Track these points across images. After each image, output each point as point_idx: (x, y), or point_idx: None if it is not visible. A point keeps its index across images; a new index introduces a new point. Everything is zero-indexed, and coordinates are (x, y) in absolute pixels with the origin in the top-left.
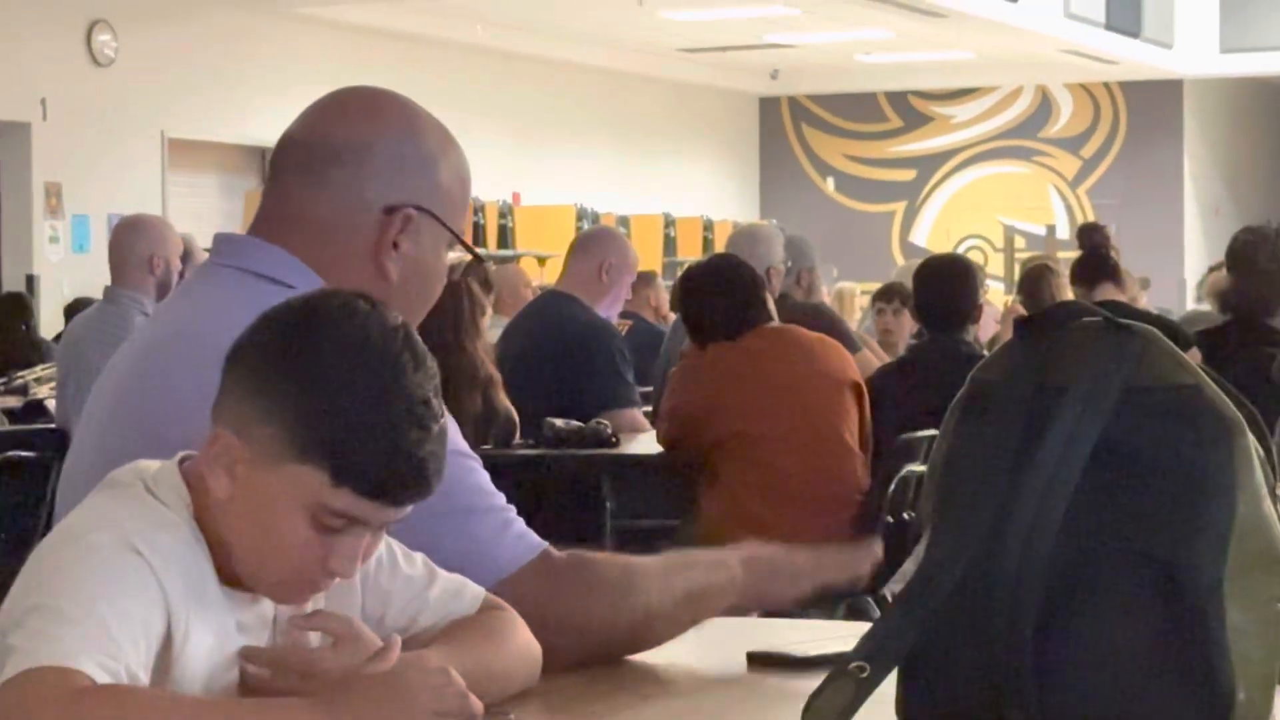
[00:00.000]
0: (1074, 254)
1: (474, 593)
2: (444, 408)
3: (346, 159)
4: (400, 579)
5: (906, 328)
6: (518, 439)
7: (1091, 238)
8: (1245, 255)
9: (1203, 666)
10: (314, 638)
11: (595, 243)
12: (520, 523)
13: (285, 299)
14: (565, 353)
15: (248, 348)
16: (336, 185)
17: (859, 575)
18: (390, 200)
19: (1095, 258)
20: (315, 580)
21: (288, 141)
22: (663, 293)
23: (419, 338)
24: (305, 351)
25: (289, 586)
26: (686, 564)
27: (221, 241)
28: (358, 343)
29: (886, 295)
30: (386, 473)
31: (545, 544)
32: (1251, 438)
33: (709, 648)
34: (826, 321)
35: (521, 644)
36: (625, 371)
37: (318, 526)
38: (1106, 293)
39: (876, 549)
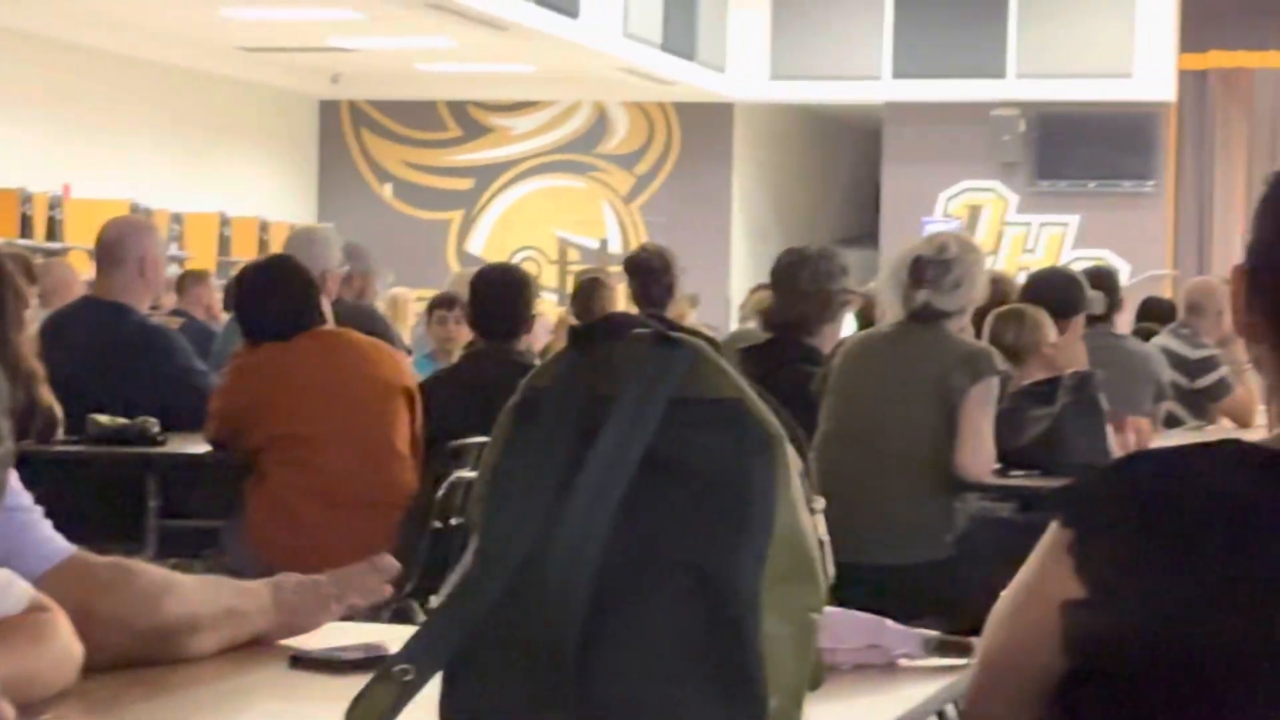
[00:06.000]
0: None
1: (20, 590)
2: (8, 427)
3: None
4: None
5: (466, 336)
6: (60, 435)
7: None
8: (788, 275)
9: (739, 674)
10: None
11: (128, 243)
12: (49, 524)
13: None
14: (130, 367)
15: None
16: None
17: (379, 594)
18: None
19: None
20: None
21: None
22: (215, 292)
23: None
24: None
25: None
26: (220, 583)
27: None
28: None
29: (447, 303)
30: None
31: (75, 548)
32: (791, 450)
33: (252, 651)
34: (380, 325)
35: (63, 646)
36: (200, 364)
37: None
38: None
39: (391, 562)
